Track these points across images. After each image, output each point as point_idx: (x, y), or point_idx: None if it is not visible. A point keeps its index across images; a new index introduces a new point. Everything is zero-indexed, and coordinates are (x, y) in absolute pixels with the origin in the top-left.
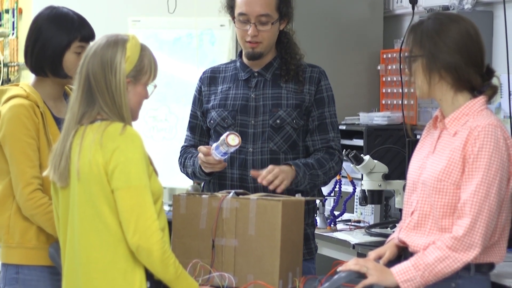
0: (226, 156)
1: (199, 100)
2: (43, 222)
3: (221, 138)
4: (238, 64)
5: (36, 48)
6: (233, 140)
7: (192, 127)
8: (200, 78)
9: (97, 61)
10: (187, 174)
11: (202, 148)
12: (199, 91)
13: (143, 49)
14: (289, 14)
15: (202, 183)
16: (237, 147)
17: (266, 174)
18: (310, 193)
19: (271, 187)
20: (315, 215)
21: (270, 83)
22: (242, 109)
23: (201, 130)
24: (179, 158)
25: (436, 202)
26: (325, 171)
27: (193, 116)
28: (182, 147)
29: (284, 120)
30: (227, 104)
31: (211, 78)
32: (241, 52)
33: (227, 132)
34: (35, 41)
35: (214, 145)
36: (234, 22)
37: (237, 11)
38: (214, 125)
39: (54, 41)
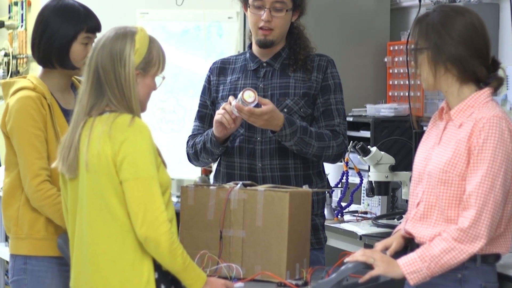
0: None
1: (208, 90)
2: (51, 213)
3: (238, 96)
4: (247, 55)
5: (43, 40)
6: (249, 96)
7: (201, 117)
8: (210, 68)
9: (106, 53)
10: (195, 154)
11: (231, 97)
12: (208, 80)
13: (152, 41)
14: (302, 5)
15: (211, 174)
16: (254, 103)
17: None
18: (309, 181)
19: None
20: (324, 206)
21: (279, 73)
22: None
23: (210, 119)
24: (187, 144)
25: (442, 194)
26: (322, 145)
27: (202, 105)
28: (189, 136)
29: (291, 109)
30: (236, 95)
31: (220, 68)
32: (250, 44)
33: (244, 88)
34: (42, 33)
35: (234, 102)
36: (246, 10)
37: None
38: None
39: (61, 33)
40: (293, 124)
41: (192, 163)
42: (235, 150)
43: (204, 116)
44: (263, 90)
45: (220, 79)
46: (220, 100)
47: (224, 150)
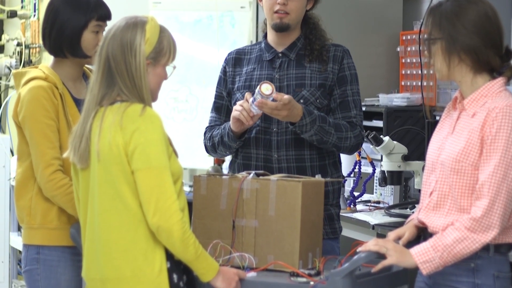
0: (260, 112)
1: (224, 81)
2: (64, 203)
3: (256, 90)
4: (262, 45)
5: (53, 30)
6: (266, 89)
7: (217, 108)
8: (225, 59)
9: (116, 43)
10: (212, 146)
11: (247, 94)
12: (224, 71)
13: (162, 31)
14: None
15: (224, 163)
16: (271, 97)
17: (274, 106)
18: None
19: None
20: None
21: (294, 63)
22: None
23: (227, 110)
24: (205, 135)
25: (455, 183)
26: (340, 136)
27: (218, 96)
28: (206, 127)
29: (307, 100)
30: (252, 85)
31: (236, 59)
32: (265, 34)
33: (262, 82)
34: (53, 23)
35: (251, 99)
36: None
37: None
38: None
39: (72, 22)
40: (311, 113)
41: (210, 154)
42: (251, 141)
43: (221, 107)
44: (279, 80)
45: (236, 70)
46: (236, 91)
47: (240, 145)
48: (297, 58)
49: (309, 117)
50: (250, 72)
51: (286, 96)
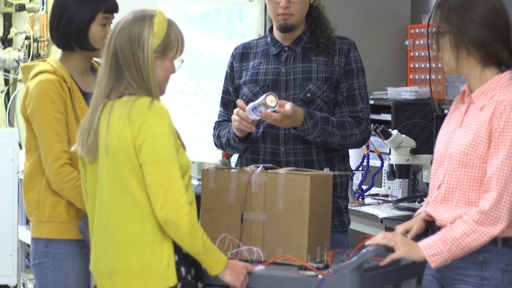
0: (258, 118)
1: (231, 76)
2: (72, 196)
3: (260, 99)
4: (268, 39)
5: (61, 24)
6: (271, 101)
7: (225, 103)
8: (232, 54)
9: (124, 36)
10: (221, 145)
11: (239, 101)
12: (231, 67)
13: (170, 24)
14: None
15: (232, 157)
16: (275, 108)
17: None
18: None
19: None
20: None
21: (300, 57)
22: (273, 83)
23: (233, 106)
24: (214, 132)
25: (463, 176)
26: (345, 134)
27: (225, 92)
28: (215, 122)
29: (314, 93)
30: (258, 80)
31: (242, 54)
32: (271, 27)
33: (266, 93)
34: (60, 17)
35: (251, 105)
36: None
37: None
38: (246, 101)
39: (79, 15)
40: (313, 116)
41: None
42: (259, 136)
43: (228, 102)
44: (285, 74)
45: (242, 65)
46: (243, 85)
47: (247, 146)
48: (303, 51)
49: (310, 121)
50: (256, 66)
51: (288, 108)
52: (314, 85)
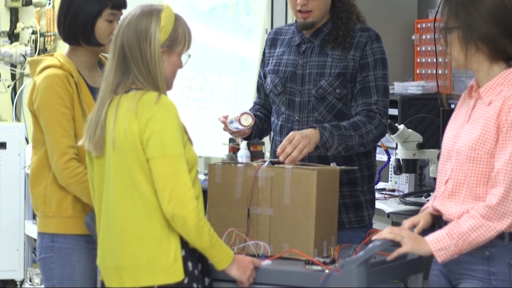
0: (240, 130)
1: (263, 62)
2: (79, 191)
3: (235, 115)
4: (294, 27)
5: (68, 17)
6: (246, 120)
7: (258, 88)
8: (266, 39)
9: (131, 31)
10: None
11: (220, 118)
12: (264, 53)
13: (177, 19)
14: None
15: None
16: (250, 126)
17: (285, 146)
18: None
19: (287, 161)
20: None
21: (318, 50)
22: (291, 76)
23: (265, 91)
24: None
25: (470, 171)
26: (361, 133)
27: (259, 76)
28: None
29: (325, 90)
30: (279, 70)
31: (272, 40)
32: None
33: (242, 111)
34: (67, 10)
35: (230, 117)
36: None
37: None
38: (269, 91)
39: (86, 10)
40: (325, 128)
41: None
42: (278, 129)
43: (260, 87)
44: (302, 68)
45: (271, 52)
46: (268, 74)
47: (258, 136)
48: (321, 44)
49: (325, 131)
50: (280, 55)
51: (285, 139)
52: (325, 82)
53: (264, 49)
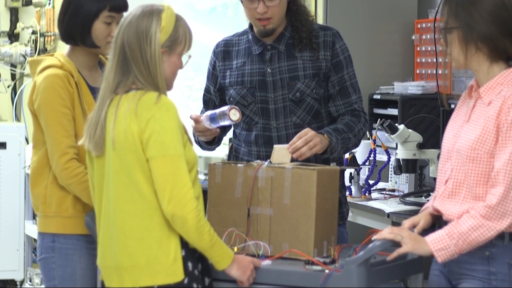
0: (217, 126)
1: (213, 75)
2: (79, 191)
3: (221, 110)
4: (250, 37)
5: (67, 16)
6: (234, 115)
7: (205, 101)
8: (214, 51)
9: (132, 31)
10: (197, 143)
11: (192, 115)
12: (213, 65)
13: (178, 20)
14: None
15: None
16: (238, 121)
17: (297, 140)
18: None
19: (295, 155)
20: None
21: (285, 55)
22: (260, 85)
23: (214, 105)
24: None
25: (470, 171)
26: (355, 133)
27: (206, 90)
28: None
29: (303, 92)
30: (244, 81)
31: (224, 52)
32: (251, 24)
33: (229, 106)
34: (66, 9)
35: (209, 113)
36: (242, 1)
37: None
38: (235, 103)
39: (84, 10)
40: (330, 133)
41: None
42: (252, 139)
43: (208, 101)
44: (271, 74)
45: (225, 64)
46: (229, 87)
47: (218, 144)
48: (287, 48)
49: (332, 136)
50: (240, 66)
51: (298, 134)
52: (302, 84)
53: (214, 62)
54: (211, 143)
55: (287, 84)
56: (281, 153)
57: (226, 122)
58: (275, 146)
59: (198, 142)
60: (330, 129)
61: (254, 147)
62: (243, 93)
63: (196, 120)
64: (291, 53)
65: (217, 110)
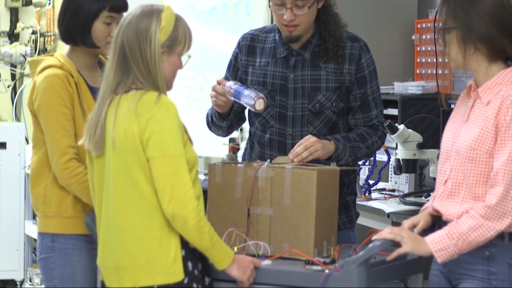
0: (236, 100)
1: (235, 67)
2: (79, 191)
3: (250, 92)
4: (277, 37)
5: (66, 16)
6: (259, 104)
7: None
8: (239, 43)
9: (132, 31)
10: (207, 124)
11: (219, 78)
12: (236, 58)
13: (178, 20)
14: None
15: (239, 151)
16: (260, 111)
17: (297, 146)
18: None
19: (296, 159)
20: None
21: (309, 63)
22: (281, 89)
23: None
24: (207, 117)
25: (469, 171)
26: (368, 144)
27: (227, 78)
28: (209, 109)
29: (323, 105)
30: (266, 82)
31: (249, 47)
32: None
33: (259, 94)
34: (66, 9)
35: (237, 85)
36: (270, 6)
37: None
38: None
39: (83, 10)
40: (338, 140)
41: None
42: (266, 142)
43: None
44: (293, 81)
45: (249, 60)
46: (250, 86)
47: (229, 124)
48: (312, 57)
49: (340, 144)
50: (264, 66)
51: (308, 136)
52: (323, 96)
53: (237, 54)
54: (222, 120)
55: (308, 94)
56: (281, 161)
57: (246, 104)
58: (277, 157)
59: (210, 118)
60: (339, 136)
61: (268, 151)
62: (263, 94)
63: (220, 82)
64: (315, 62)
65: (246, 90)
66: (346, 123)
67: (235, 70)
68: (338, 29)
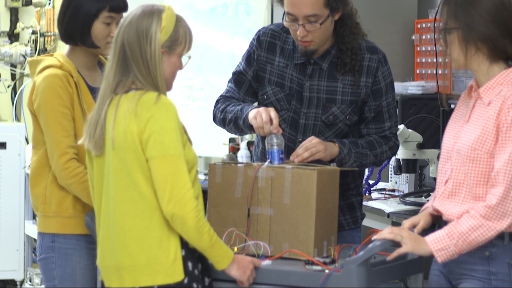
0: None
1: (253, 60)
2: (79, 191)
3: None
4: (296, 43)
5: (66, 16)
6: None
7: (238, 82)
8: (258, 37)
9: (132, 30)
10: (223, 120)
11: (276, 125)
12: (254, 51)
13: (179, 20)
14: (340, 6)
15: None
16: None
17: (298, 148)
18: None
19: (296, 160)
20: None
21: (326, 74)
22: (297, 95)
23: (248, 87)
24: (216, 104)
25: (470, 171)
26: (376, 153)
27: (241, 72)
28: (220, 96)
29: (337, 117)
30: (284, 85)
31: (270, 43)
32: None
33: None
34: (66, 9)
35: (276, 149)
36: (283, 20)
37: (285, 9)
38: (266, 102)
39: (83, 10)
40: (344, 144)
41: (216, 124)
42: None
43: (242, 82)
44: (309, 90)
45: (268, 57)
46: (267, 84)
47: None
48: (330, 67)
49: (345, 148)
50: (282, 67)
51: (311, 138)
52: (337, 109)
53: (256, 48)
54: (250, 129)
55: (322, 104)
56: None
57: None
58: None
59: (233, 117)
60: (346, 141)
61: None
62: (279, 96)
63: (275, 128)
64: (332, 73)
65: (278, 159)
66: (358, 132)
67: (254, 64)
68: (357, 40)
